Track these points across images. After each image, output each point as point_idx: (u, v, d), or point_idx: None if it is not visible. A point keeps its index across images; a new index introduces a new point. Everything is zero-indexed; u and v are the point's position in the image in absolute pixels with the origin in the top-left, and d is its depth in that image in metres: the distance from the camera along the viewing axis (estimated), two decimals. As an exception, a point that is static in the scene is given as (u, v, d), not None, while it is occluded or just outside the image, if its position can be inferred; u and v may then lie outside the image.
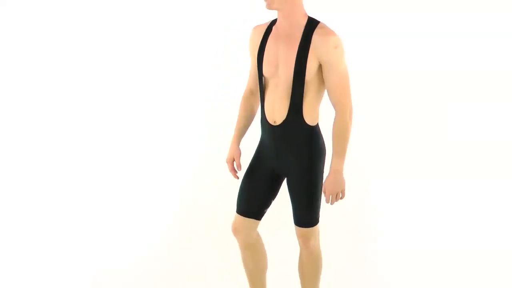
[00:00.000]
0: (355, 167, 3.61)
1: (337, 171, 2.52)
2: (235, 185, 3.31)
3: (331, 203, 2.55)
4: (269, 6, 2.42)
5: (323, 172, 2.59)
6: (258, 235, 2.76)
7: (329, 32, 2.41)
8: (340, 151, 2.50)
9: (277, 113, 2.50)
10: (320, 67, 2.42)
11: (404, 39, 3.54)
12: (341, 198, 2.56)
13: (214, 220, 3.67)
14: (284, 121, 2.50)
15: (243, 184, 2.68)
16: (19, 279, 3.36)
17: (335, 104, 2.45)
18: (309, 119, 2.50)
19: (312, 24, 2.44)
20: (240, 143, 2.72)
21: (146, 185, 3.76)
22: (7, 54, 3.78)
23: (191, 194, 3.68)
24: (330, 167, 2.51)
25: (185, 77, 3.76)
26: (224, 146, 3.57)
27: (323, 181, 2.57)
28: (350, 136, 2.49)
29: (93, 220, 3.77)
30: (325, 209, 3.61)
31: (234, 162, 2.72)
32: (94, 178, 3.80)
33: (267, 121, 2.53)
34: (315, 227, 2.63)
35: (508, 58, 3.47)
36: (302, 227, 2.60)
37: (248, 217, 2.66)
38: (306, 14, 2.47)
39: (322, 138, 2.59)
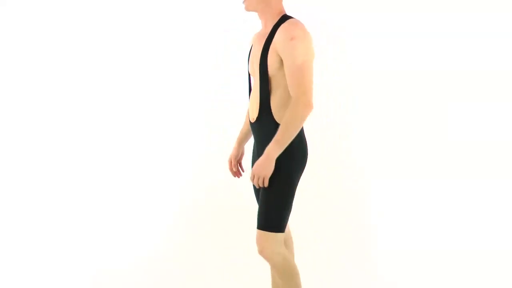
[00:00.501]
0: (355, 167, 3.62)
1: (267, 156, 2.38)
2: (235, 185, 3.32)
3: (254, 182, 2.42)
4: (246, 8, 2.51)
5: (292, 179, 2.47)
6: (288, 238, 2.71)
7: (290, 25, 2.40)
8: (278, 138, 2.37)
9: (253, 110, 2.50)
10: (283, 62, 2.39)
11: (404, 39, 3.54)
12: (264, 186, 2.42)
13: (214, 220, 3.67)
14: (257, 118, 2.49)
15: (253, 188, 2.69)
16: (19, 279, 3.36)
17: (291, 95, 2.39)
18: (279, 118, 2.44)
19: (282, 21, 2.44)
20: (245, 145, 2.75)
21: (146, 185, 3.76)
22: (7, 54, 3.78)
23: (191, 194, 3.68)
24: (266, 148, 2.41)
25: (185, 77, 3.76)
26: (224, 146, 3.57)
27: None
28: (294, 130, 2.37)
29: (93, 220, 3.77)
30: (325, 208, 3.62)
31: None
32: (94, 178, 3.80)
33: (249, 118, 2.57)
34: (269, 233, 2.46)
35: (508, 58, 3.47)
36: (257, 228, 2.49)
37: None
38: (281, 12, 2.47)
39: (300, 142, 2.49)
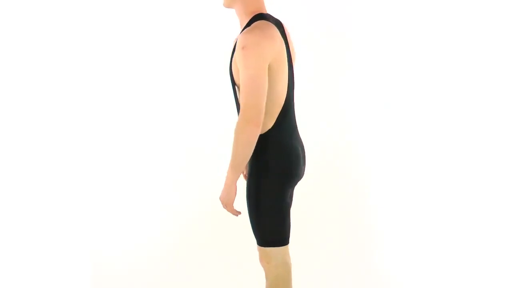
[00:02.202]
0: (356, 167, 3.62)
1: (225, 182, 2.33)
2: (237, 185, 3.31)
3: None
4: (224, 4, 2.41)
5: (271, 196, 2.39)
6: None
7: (246, 31, 2.24)
8: (230, 162, 2.28)
9: None
10: None
11: (404, 39, 3.54)
12: (231, 212, 2.39)
13: (215, 220, 3.66)
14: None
15: None
16: (19, 279, 3.35)
17: None
18: None
19: (249, 23, 2.30)
20: None
21: (146, 185, 3.76)
22: (6, 54, 3.77)
23: (191, 194, 3.68)
24: None
25: (185, 77, 3.76)
26: (224, 146, 3.57)
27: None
28: (242, 151, 2.23)
29: (93, 220, 3.77)
30: (325, 209, 3.62)
31: None
32: (94, 178, 3.79)
33: None
34: (264, 248, 2.45)
35: (508, 58, 3.47)
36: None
37: None
38: (255, 11, 2.34)
39: (275, 152, 2.36)
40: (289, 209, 2.47)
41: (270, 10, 2.82)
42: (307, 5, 3.52)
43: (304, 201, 2.94)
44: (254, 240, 3.03)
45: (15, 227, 3.68)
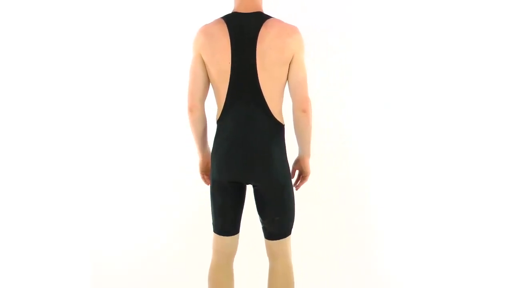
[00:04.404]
0: (356, 167, 3.62)
1: None
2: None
3: None
4: None
5: (211, 181, 2.69)
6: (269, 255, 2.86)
7: None
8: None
9: None
10: None
11: (403, 39, 3.54)
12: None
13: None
14: None
15: None
16: (19, 279, 3.35)
17: None
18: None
19: None
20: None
21: (146, 186, 3.76)
22: (6, 54, 3.77)
23: (191, 194, 3.68)
24: None
25: (184, 77, 3.75)
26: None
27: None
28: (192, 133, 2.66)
29: (93, 220, 3.76)
30: (326, 208, 3.62)
31: None
32: (94, 179, 3.79)
33: None
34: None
35: (507, 59, 3.47)
36: None
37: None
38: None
39: (216, 141, 2.63)
40: (221, 206, 2.64)
41: (271, 10, 2.83)
42: (307, 5, 3.51)
43: (304, 200, 2.94)
44: (253, 240, 3.03)
45: (15, 227, 3.68)
